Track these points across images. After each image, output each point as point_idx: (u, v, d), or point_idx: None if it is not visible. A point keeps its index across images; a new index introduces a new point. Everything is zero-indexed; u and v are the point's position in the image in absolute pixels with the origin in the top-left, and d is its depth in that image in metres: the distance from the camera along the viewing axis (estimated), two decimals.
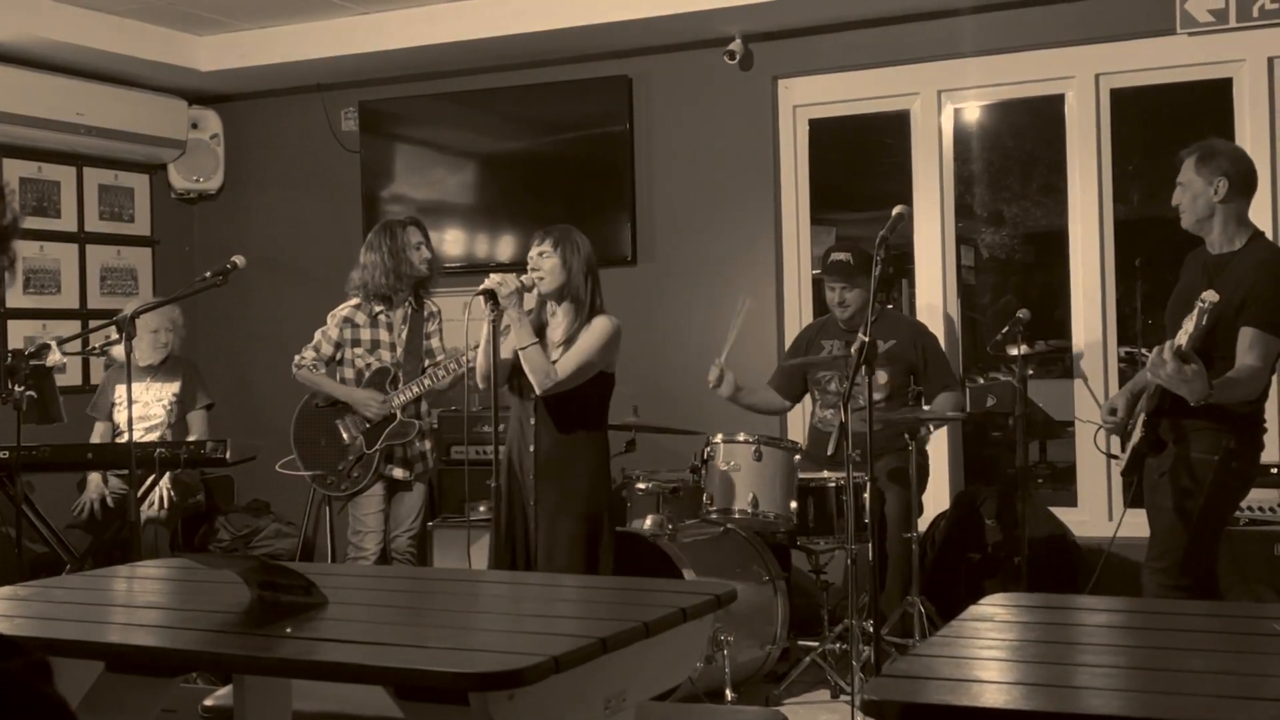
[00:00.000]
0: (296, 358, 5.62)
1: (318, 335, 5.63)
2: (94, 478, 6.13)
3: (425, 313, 5.65)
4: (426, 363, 5.59)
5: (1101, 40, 5.94)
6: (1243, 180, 4.18)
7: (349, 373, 5.59)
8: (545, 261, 4.50)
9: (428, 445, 5.65)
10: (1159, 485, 4.18)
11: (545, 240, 4.54)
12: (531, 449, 4.57)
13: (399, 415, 5.49)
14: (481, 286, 4.44)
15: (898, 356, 5.42)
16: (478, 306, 4.49)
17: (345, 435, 5.54)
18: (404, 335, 5.59)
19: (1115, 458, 4.45)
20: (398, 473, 5.55)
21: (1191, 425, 4.07)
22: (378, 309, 5.56)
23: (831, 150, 6.82)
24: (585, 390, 4.48)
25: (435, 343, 5.66)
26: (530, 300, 4.64)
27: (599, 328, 4.42)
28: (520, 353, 4.46)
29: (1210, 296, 3.76)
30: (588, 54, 6.69)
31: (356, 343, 5.57)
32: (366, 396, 5.49)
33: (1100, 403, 5.87)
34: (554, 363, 4.49)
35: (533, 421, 4.57)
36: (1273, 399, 5.15)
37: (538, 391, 4.48)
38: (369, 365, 5.55)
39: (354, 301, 5.61)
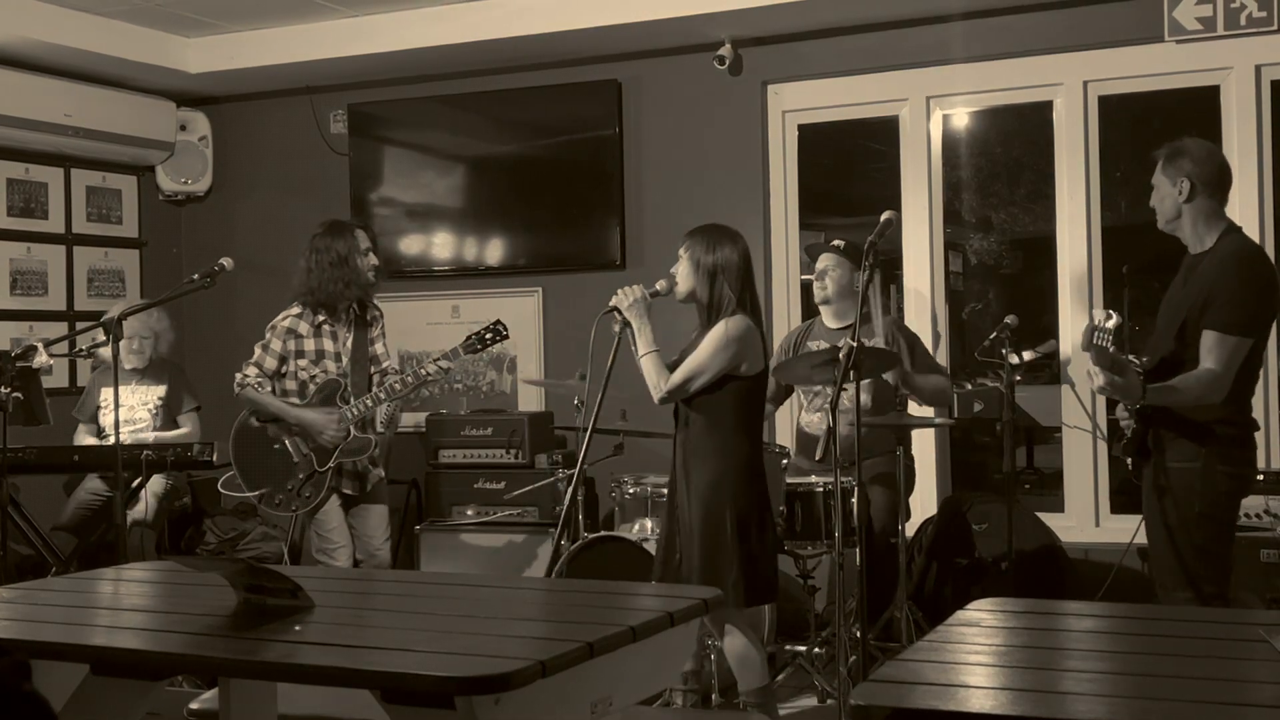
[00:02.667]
0: (239, 376, 5.32)
1: (258, 351, 5.34)
2: (84, 486, 6.13)
3: (368, 317, 5.44)
4: (373, 370, 5.41)
5: (1090, 47, 5.96)
6: (1208, 180, 4.11)
7: (291, 385, 5.32)
8: (679, 266, 4.36)
9: (378, 452, 5.42)
10: (1150, 502, 4.12)
11: (683, 243, 4.39)
12: (675, 456, 4.44)
13: (352, 431, 5.25)
14: (610, 304, 4.37)
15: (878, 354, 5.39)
16: (607, 324, 4.39)
17: (293, 452, 5.28)
18: (349, 345, 5.35)
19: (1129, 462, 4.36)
20: (347, 489, 5.33)
21: (1167, 435, 4.04)
22: (320, 318, 5.31)
23: (820, 155, 6.83)
24: (708, 394, 4.27)
25: (379, 348, 5.46)
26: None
27: (713, 334, 4.24)
28: (639, 361, 4.36)
29: (1100, 317, 3.78)
30: (577, 58, 6.70)
31: (300, 354, 5.31)
32: (322, 421, 5.22)
33: (1086, 409, 5.89)
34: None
35: (675, 430, 4.44)
36: (1270, 401, 5.19)
37: (654, 400, 4.37)
38: (313, 377, 5.29)
39: (295, 310, 5.34)
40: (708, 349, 4.23)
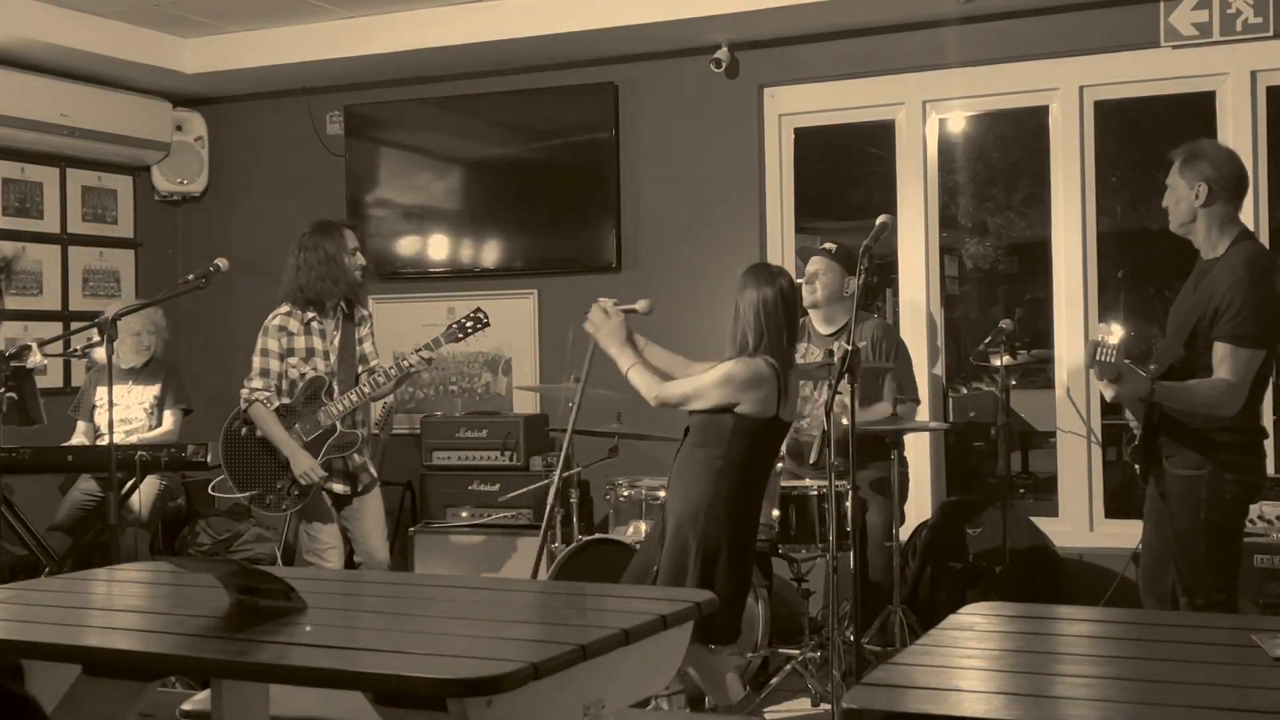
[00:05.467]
0: (245, 390, 5.29)
1: (258, 361, 5.29)
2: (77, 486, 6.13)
3: (356, 318, 5.43)
4: (360, 369, 5.37)
5: (1086, 52, 5.97)
6: (1226, 185, 4.05)
7: (283, 384, 5.31)
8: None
9: (367, 454, 5.42)
10: (1155, 508, 4.08)
11: None
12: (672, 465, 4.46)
13: (339, 426, 5.25)
14: (585, 328, 4.54)
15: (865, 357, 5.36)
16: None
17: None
18: (336, 342, 5.34)
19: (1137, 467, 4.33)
20: (336, 487, 5.30)
21: (1174, 442, 4.00)
22: (310, 315, 5.31)
23: (816, 159, 6.84)
24: (709, 421, 4.25)
25: (368, 347, 5.44)
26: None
27: (721, 367, 4.23)
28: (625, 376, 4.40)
29: (1102, 333, 3.76)
30: (574, 60, 6.70)
31: (290, 352, 5.30)
32: (307, 466, 5.18)
33: (1081, 413, 5.90)
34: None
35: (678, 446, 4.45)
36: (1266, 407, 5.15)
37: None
38: (303, 375, 5.28)
39: (284, 309, 5.34)
40: (708, 378, 4.23)
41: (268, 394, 5.27)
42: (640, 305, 4.54)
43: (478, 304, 5.50)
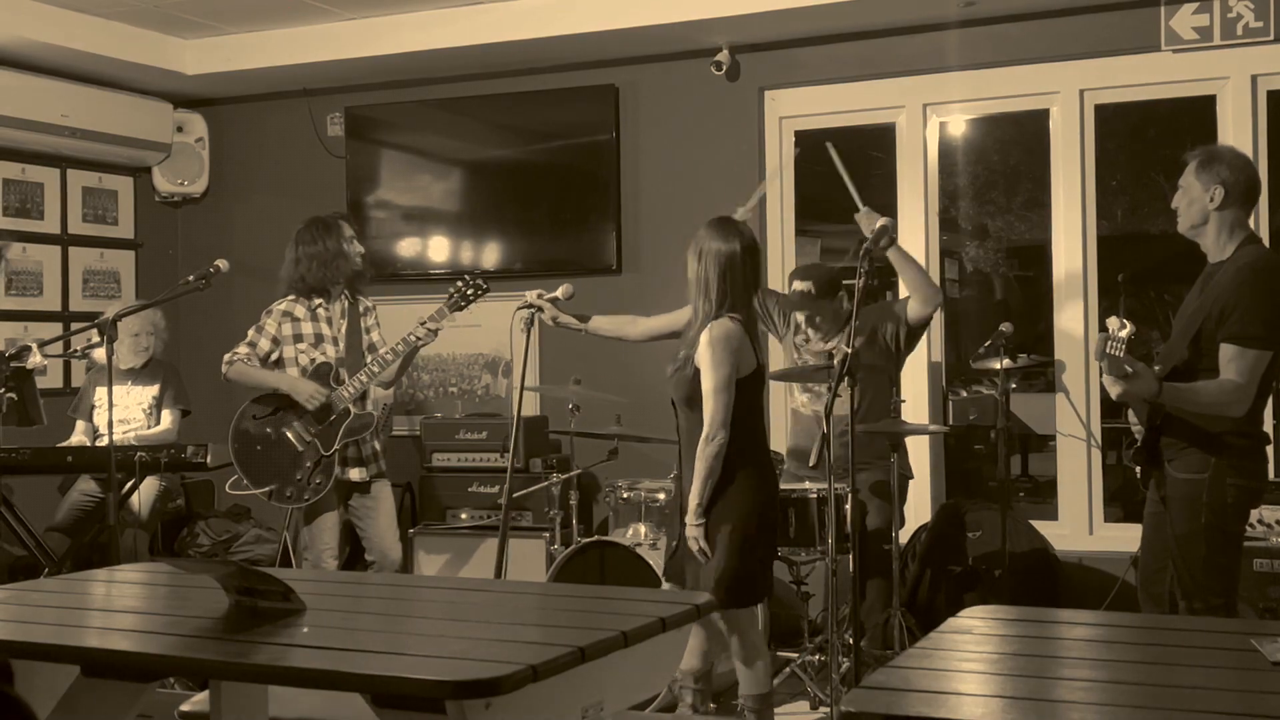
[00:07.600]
0: (227, 355, 5.35)
1: (251, 333, 5.39)
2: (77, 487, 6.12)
3: (361, 308, 5.48)
4: (369, 358, 5.37)
5: (1086, 56, 5.97)
6: (1241, 190, 4.04)
7: (292, 372, 5.35)
8: None
9: (378, 445, 5.45)
10: (1156, 512, 4.09)
11: None
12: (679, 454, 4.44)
13: (352, 409, 5.28)
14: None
15: (871, 341, 5.32)
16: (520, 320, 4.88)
17: (297, 441, 5.29)
18: (343, 329, 5.39)
19: (1138, 470, 4.32)
20: (354, 474, 5.32)
21: (1177, 445, 3.99)
22: (316, 302, 5.37)
23: (817, 161, 6.83)
24: (695, 395, 4.22)
25: (376, 336, 5.48)
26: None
27: (702, 354, 4.16)
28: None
29: (1114, 326, 3.75)
30: (575, 63, 6.70)
31: (299, 338, 5.34)
32: (310, 390, 5.24)
33: (1081, 417, 5.90)
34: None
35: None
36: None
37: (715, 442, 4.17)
38: (313, 361, 5.32)
39: (290, 297, 5.40)
40: (709, 375, 4.14)
41: (246, 358, 5.33)
42: (561, 291, 4.86)
43: (478, 306, 5.51)
